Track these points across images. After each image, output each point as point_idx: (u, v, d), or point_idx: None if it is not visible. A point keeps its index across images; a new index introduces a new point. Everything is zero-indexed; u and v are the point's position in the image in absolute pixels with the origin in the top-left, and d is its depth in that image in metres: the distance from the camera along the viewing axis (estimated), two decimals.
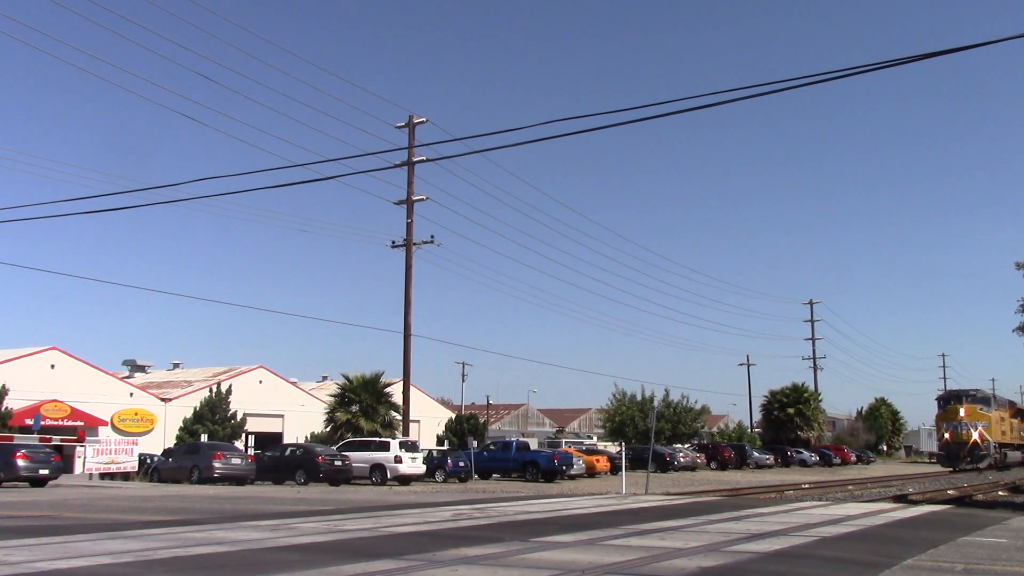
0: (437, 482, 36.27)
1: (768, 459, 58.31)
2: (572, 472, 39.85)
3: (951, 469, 48.31)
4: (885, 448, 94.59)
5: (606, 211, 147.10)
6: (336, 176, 42.57)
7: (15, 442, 28.06)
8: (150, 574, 7.67)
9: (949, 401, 52.03)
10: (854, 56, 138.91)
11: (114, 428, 46.86)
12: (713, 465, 54.55)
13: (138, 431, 47.86)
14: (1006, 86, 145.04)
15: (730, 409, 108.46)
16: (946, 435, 49.27)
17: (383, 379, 42.34)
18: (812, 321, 62.35)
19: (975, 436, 48.26)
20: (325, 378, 69.14)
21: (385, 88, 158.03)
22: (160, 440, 47.66)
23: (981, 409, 49.54)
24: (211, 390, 48.12)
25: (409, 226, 35.05)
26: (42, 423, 37.35)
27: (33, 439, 28.96)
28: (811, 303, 65.99)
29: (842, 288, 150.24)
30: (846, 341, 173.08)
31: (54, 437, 30.69)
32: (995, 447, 49.40)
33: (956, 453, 48.08)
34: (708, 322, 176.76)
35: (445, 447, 49.14)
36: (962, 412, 48.65)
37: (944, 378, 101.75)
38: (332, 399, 43.12)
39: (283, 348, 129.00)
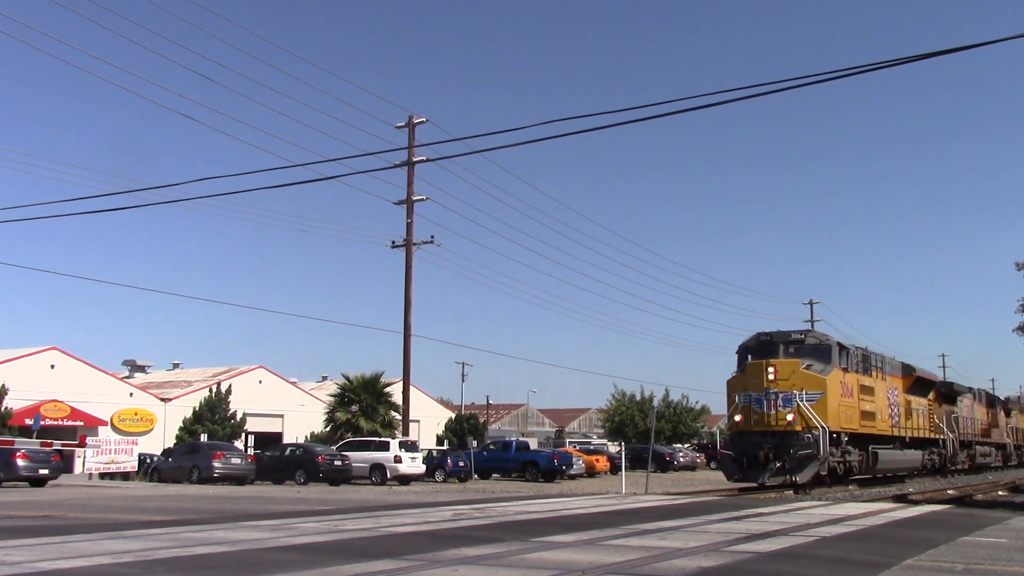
0: (437, 482, 36.29)
1: None
2: (572, 472, 39.87)
3: (736, 485, 25.72)
4: None
5: (606, 211, 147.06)
6: (336, 176, 42.68)
7: (15, 446, 28.03)
8: (150, 574, 7.67)
9: (750, 354, 26.60)
10: (854, 56, 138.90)
11: (114, 428, 46.86)
12: (713, 465, 54.57)
13: (138, 431, 47.86)
14: (1006, 86, 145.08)
15: None
16: (737, 417, 25.60)
17: (383, 379, 42.35)
18: (812, 321, 62.21)
19: (791, 417, 24.50)
20: (325, 378, 69.15)
21: (385, 88, 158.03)
22: (160, 440, 47.67)
23: (810, 367, 25.30)
24: (211, 390, 48.13)
25: (409, 226, 35.05)
26: (42, 423, 37.33)
27: (34, 443, 28.92)
28: (811, 303, 65.91)
29: (842, 288, 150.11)
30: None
31: (55, 442, 30.60)
32: (844, 441, 25.94)
33: (753, 452, 24.61)
34: (708, 322, 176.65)
35: (445, 447, 49.16)
36: (771, 372, 24.92)
37: (944, 378, 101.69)
38: (332, 399, 43.12)
39: (283, 348, 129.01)
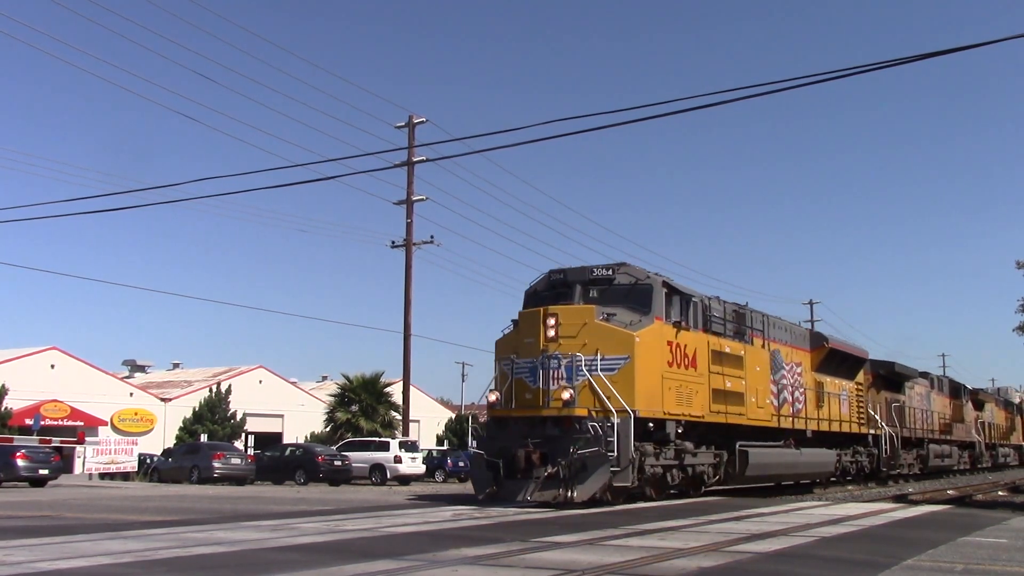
0: (437, 482, 36.30)
1: None
2: None
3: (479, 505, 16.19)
4: None
5: (606, 211, 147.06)
6: (336, 176, 42.80)
7: (15, 446, 28.07)
8: (150, 574, 7.67)
9: (538, 297, 17.91)
10: (854, 56, 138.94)
11: (114, 428, 46.92)
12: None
13: (138, 431, 47.91)
14: (1006, 86, 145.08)
15: None
16: (492, 396, 16.96)
17: (383, 379, 42.41)
18: (812, 321, 62.22)
19: (568, 395, 15.91)
20: (325, 378, 69.19)
21: (385, 88, 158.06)
22: (160, 440, 47.72)
23: (611, 317, 16.64)
24: (211, 390, 48.18)
25: (409, 226, 35.06)
26: (42, 423, 37.38)
27: (33, 441, 28.98)
28: (811, 303, 65.93)
29: (842, 288, 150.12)
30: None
31: (54, 439, 30.68)
32: (678, 434, 17.59)
33: (509, 452, 15.95)
34: None
35: (445, 447, 49.18)
36: (551, 325, 16.27)
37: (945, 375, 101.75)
38: (332, 399, 43.19)
39: (283, 348, 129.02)
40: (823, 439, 24.99)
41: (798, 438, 23.22)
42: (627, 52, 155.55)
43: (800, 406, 23.51)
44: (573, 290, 17.43)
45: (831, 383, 26.09)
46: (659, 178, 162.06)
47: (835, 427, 25.91)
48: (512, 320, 17.59)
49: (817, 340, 26.07)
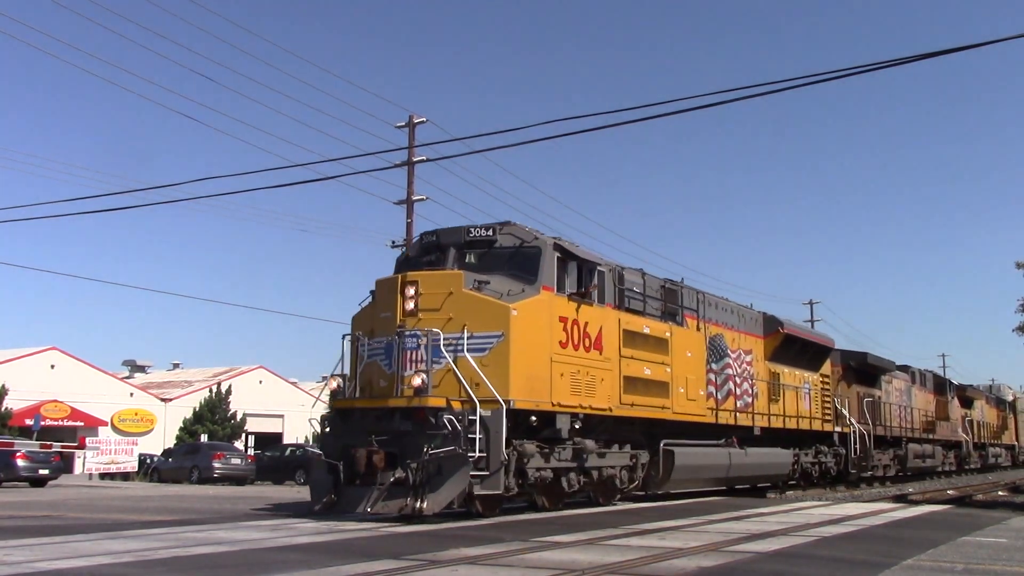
0: None
1: None
2: None
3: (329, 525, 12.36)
4: None
5: (606, 211, 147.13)
6: (336, 176, 42.73)
7: (15, 447, 28.09)
8: (150, 574, 7.68)
9: (409, 264, 14.78)
10: (854, 56, 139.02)
11: (114, 428, 46.96)
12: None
13: (138, 431, 47.95)
14: (1006, 86, 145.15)
15: None
16: (334, 384, 14.18)
17: None
18: (812, 321, 62.21)
19: (419, 381, 12.71)
20: (325, 378, 69.20)
21: (385, 88, 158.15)
22: (160, 440, 47.75)
23: (482, 286, 13.44)
24: (211, 390, 48.23)
25: (409, 226, 34.99)
26: (42, 423, 37.41)
27: (33, 445, 28.98)
28: (811, 303, 65.99)
29: (842, 288, 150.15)
30: (846, 341, 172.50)
31: (55, 444, 30.69)
32: (571, 431, 14.19)
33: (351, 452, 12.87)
34: None
35: None
36: (410, 295, 13.26)
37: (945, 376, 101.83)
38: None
39: (283, 348, 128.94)
40: (779, 437, 22.31)
41: (745, 436, 20.22)
42: (627, 52, 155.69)
43: (750, 400, 20.65)
44: (447, 255, 14.21)
45: (789, 374, 23.24)
46: (659, 178, 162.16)
47: (793, 424, 22.92)
48: (370, 291, 14.38)
49: (771, 325, 22.63)
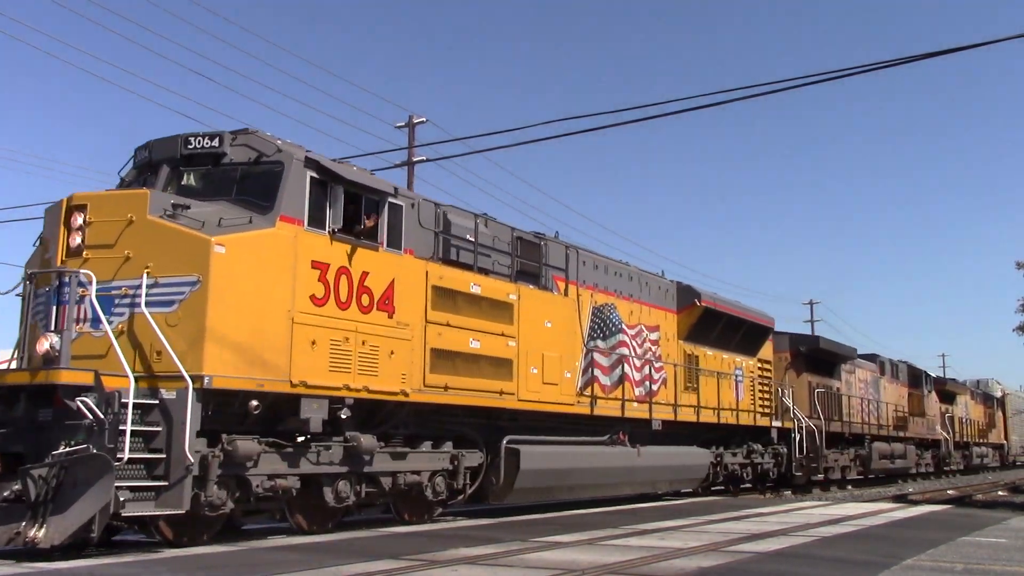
0: None
1: None
2: None
3: None
4: None
5: (606, 211, 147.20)
6: None
7: None
8: (150, 574, 7.67)
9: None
10: (854, 56, 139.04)
11: None
12: None
13: None
14: (1006, 86, 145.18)
15: None
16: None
17: None
18: (812, 321, 62.28)
19: (45, 347, 8.93)
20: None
21: (385, 88, 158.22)
22: None
23: (176, 212, 9.57)
24: None
25: None
26: None
27: None
28: (811, 303, 65.99)
29: (842, 288, 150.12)
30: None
31: None
32: (320, 425, 10.37)
33: None
34: None
35: None
36: (75, 227, 9.67)
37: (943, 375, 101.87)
38: None
39: None
40: (699, 433, 18.87)
41: (643, 432, 16.59)
42: (627, 52, 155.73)
43: (653, 387, 16.94)
44: (158, 175, 10.63)
45: (714, 358, 19.52)
46: (659, 178, 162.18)
47: (712, 417, 18.94)
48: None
49: (687, 297, 18.59)
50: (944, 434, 36.95)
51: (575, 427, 15.15)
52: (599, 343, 15.69)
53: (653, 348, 17.40)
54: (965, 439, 40.57)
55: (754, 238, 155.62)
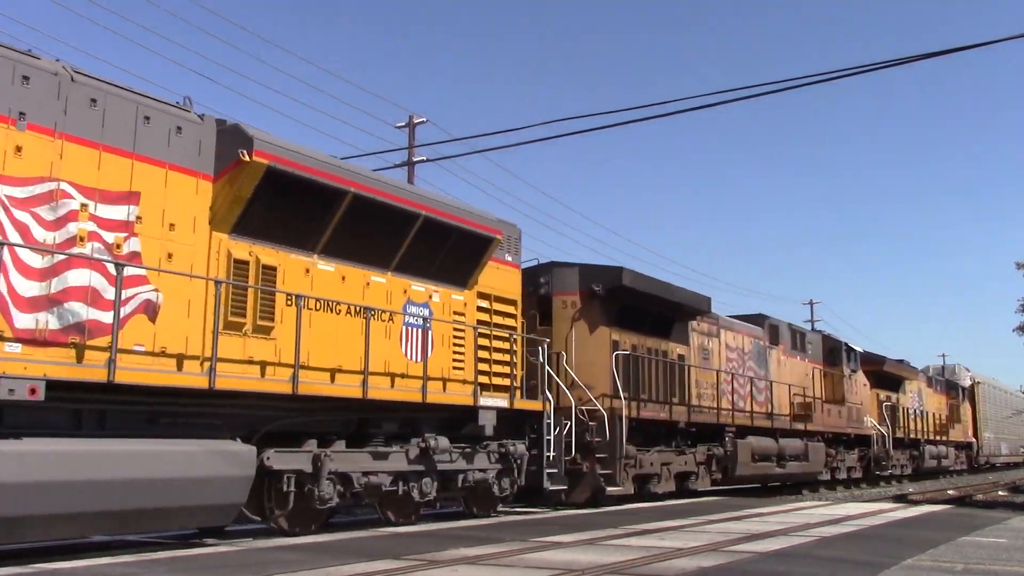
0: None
1: None
2: None
3: None
4: None
5: (606, 211, 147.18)
6: None
7: None
8: (151, 574, 7.67)
9: None
10: (854, 56, 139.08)
11: None
12: None
13: None
14: (1006, 85, 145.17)
15: None
16: None
17: None
18: (812, 321, 62.21)
19: None
20: None
21: (385, 88, 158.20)
22: None
23: None
24: None
25: None
26: None
27: None
28: (811, 303, 65.91)
29: (842, 288, 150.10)
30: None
31: None
32: None
33: None
34: None
35: None
36: None
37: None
38: None
39: None
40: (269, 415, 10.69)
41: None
42: (627, 52, 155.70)
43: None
44: None
45: (335, 273, 11.07)
46: (659, 178, 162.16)
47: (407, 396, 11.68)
48: None
49: (230, 144, 10.70)
50: (881, 428, 28.68)
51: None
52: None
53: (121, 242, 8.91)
54: (916, 436, 32.19)
55: (754, 238, 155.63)
